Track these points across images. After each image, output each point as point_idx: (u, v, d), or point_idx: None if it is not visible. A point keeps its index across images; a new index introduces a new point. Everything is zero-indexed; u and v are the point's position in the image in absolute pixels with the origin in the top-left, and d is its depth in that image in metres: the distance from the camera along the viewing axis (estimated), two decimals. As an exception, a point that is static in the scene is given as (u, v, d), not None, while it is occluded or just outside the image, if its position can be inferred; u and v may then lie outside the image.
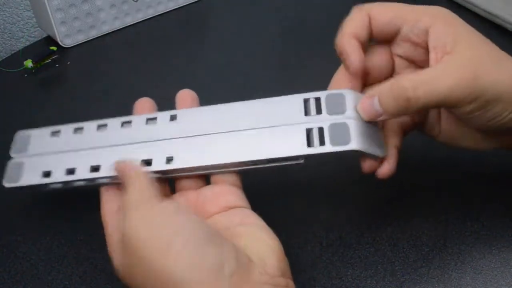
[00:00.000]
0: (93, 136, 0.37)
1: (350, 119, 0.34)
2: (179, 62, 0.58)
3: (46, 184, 0.36)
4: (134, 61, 0.59)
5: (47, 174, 0.36)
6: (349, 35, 0.35)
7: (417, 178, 0.43)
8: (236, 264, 0.28)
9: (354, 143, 0.33)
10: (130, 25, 0.63)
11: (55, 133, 0.38)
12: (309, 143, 0.34)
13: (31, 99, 0.54)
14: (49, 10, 0.56)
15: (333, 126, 0.34)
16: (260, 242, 0.30)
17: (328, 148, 0.33)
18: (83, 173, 0.35)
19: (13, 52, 0.64)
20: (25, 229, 0.41)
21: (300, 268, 0.37)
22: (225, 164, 0.34)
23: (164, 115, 0.37)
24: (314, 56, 0.56)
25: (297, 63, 0.56)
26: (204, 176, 0.36)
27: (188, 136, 0.36)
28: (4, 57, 0.64)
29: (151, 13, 0.64)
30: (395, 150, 0.35)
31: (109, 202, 0.34)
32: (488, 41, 0.34)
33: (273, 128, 0.35)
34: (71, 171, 0.36)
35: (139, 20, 0.64)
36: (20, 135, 0.39)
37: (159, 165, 0.35)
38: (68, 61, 0.58)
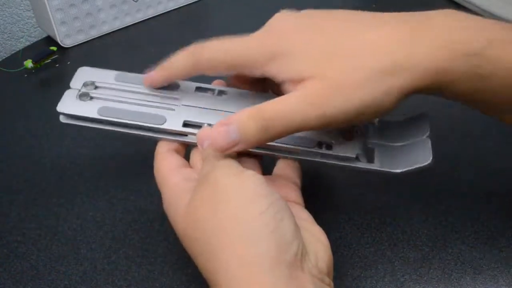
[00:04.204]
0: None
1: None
2: (179, 62, 0.58)
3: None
4: (134, 61, 0.59)
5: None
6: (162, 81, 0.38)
7: (417, 178, 0.43)
8: (301, 247, 0.28)
9: None
10: (130, 25, 0.63)
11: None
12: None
13: (31, 99, 0.54)
14: (49, 10, 0.56)
15: None
16: (315, 238, 0.31)
17: None
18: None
19: (13, 52, 0.64)
20: (25, 229, 0.41)
21: (300, 268, 0.37)
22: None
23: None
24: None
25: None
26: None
27: None
28: (4, 57, 0.64)
29: (151, 13, 0.64)
30: None
31: (167, 160, 0.35)
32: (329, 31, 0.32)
33: None
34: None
35: (139, 20, 0.64)
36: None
37: None
38: (68, 61, 0.58)
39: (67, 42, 0.60)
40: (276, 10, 0.70)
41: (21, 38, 0.68)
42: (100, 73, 0.40)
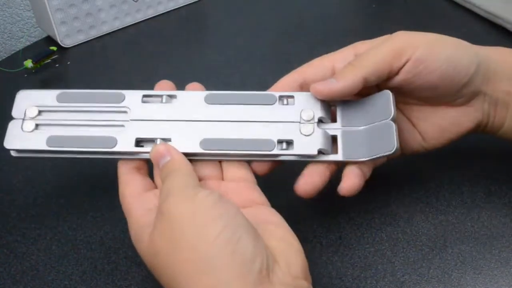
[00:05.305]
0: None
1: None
2: (179, 62, 0.58)
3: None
4: (134, 61, 0.59)
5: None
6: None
7: (417, 178, 0.43)
8: (266, 261, 0.28)
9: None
10: (130, 25, 0.63)
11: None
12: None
13: (31, 99, 0.54)
14: (49, 10, 0.56)
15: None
16: (286, 243, 0.31)
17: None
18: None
19: (13, 52, 0.64)
20: (25, 229, 0.41)
21: (300, 268, 0.37)
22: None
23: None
24: (314, 56, 0.56)
25: (297, 63, 0.56)
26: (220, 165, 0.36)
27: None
28: (4, 57, 0.64)
29: (151, 13, 0.64)
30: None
31: (130, 186, 0.34)
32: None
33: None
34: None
35: (139, 20, 0.64)
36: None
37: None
38: (68, 61, 0.58)
39: (67, 42, 0.60)
40: (275, 10, 0.70)
41: (21, 38, 0.68)
42: (41, 95, 0.38)
